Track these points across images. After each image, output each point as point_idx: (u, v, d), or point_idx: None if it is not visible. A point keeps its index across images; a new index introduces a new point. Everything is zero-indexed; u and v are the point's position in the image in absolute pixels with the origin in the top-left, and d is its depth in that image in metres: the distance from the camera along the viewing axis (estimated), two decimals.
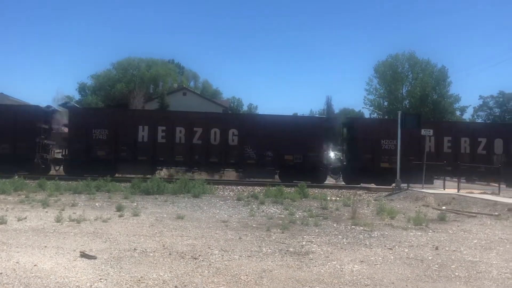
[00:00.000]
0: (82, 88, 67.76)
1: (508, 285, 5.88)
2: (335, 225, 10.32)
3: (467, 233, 9.72)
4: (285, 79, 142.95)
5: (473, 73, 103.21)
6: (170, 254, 6.97)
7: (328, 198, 16.30)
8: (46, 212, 10.83)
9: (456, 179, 18.68)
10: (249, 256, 7.04)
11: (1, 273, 5.68)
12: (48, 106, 25.12)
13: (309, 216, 11.36)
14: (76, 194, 14.89)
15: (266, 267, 6.37)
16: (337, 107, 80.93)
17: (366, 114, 62.94)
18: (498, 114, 68.72)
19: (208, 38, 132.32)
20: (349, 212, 12.04)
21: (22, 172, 20.32)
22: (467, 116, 66.41)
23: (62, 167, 23.39)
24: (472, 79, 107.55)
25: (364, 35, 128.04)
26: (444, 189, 18.72)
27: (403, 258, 7.21)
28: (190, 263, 6.45)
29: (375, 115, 57.94)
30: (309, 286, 5.59)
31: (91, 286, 5.33)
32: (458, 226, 10.65)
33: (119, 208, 11.32)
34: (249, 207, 13.08)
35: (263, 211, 12.26)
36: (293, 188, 17.73)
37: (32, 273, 5.73)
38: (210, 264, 6.44)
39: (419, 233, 9.48)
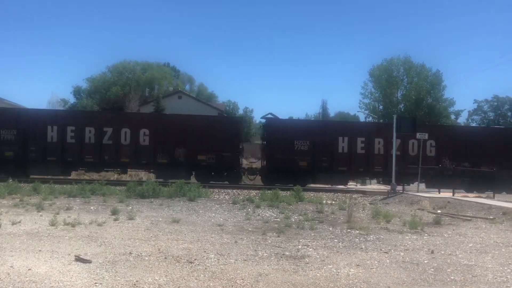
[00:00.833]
0: (77, 91, 67.50)
1: None
2: (331, 228, 10.32)
3: (462, 236, 9.74)
4: (281, 82, 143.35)
5: (468, 77, 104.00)
6: (165, 258, 6.94)
7: (324, 201, 16.32)
8: (41, 215, 10.77)
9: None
10: (245, 260, 7.02)
11: None
12: None
13: (305, 219, 11.35)
14: (71, 198, 14.82)
15: (262, 271, 6.35)
16: (332, 111, 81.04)
17: (362, 118, 63.17)
18: (492, 118, 69.16)
19: (204, 42, 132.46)
20: (345, 215, 12.05)
21: None
22: (461, 120, 66.91)
23: None
24: (466, 83, 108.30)
25: (359, 40, 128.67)
26: (439, 193, 18.82)
27: (399, 261, 7.21)
28: (186, 267, 6.43)
29: (370, 119, 58.13)
30: None
31: None
32: (453, 229, 10.68)
33: (114, 212, 11.26)
34: (245, 210, 13.06)
35: (258, 215, 12.25)
36: (288, 192, 17.73)
37: (27, 277, 5.69)
38: (205, 268, 6.41)
39: (414, 237, 9.50)
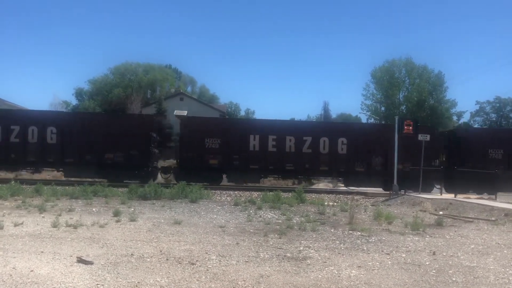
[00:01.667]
0: (79, 93, 67.66)
1: None
2: (332, 230, 10.32)
3: (464, 238, 9.73)
4: (283, 84, 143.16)
5: (470, 79, 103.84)
6: (167, 259, 6.95)
7: (326, 203, 16.31)
8: (43, 217, 10.79)
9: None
10: (247, 261, 7.03)
11: None
12: None
13: (307, 221, 11.35)
14: (73, 199, 14.85)
15: (263, 273, 6.36)
16: (334, 112, 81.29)
17: (363, 119, 63.05)
18: (494, 119, 69.03)
19: (206, 43, 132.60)
20: (347, 217, 12.05)
21: None
22: (464, 121, 66.78)
23: None
24: (468, 84, 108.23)
25: (361, 41, 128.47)
26: (441, 194, 18.79)
27: (400, 263, 7.21)
28: (188, 269, 6.44)
29: (372, 120, 58.06)
30: None
31: None
32: (455, 231, 10.67)
33: (116, 213, 11.29)
34: (247, 212, 13.06)
35: (260, 216, 12.26)
36: (290, 193, 17.74)
37: (29, 279, 5.71)
38: (207, 270, 6.42)
39: (416, 238, 9.49)
